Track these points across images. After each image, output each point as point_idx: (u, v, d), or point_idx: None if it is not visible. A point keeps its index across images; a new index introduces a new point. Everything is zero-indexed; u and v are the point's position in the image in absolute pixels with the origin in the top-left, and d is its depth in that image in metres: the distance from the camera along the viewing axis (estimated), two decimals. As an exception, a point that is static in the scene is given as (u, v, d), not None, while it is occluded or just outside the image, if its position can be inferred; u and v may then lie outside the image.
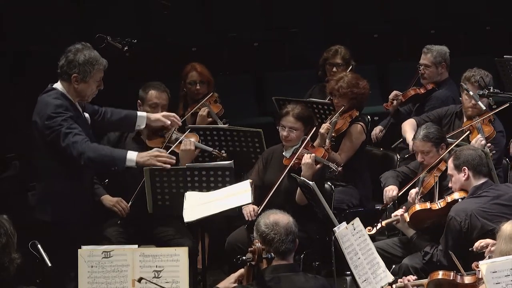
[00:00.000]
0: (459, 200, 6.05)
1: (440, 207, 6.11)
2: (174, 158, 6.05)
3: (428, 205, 6.17)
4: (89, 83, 5.96)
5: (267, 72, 10.31)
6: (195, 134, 6.86)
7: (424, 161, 6.56)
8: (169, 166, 5.97)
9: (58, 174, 5.92)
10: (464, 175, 6.03)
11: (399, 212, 6.28)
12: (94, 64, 5.93)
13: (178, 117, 6.49)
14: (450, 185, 6.18)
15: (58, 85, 6.00)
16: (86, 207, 6.05)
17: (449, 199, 6.10)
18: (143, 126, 6.38)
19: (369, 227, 6.19)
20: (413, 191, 6.41)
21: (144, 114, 6.40)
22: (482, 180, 6.04)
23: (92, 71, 5.93)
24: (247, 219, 6.58)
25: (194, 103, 7.77)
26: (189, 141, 6.57)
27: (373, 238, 6.20)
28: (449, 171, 6.13)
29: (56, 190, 5.91)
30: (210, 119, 7.57)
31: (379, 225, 6.23)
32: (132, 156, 5.86)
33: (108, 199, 6.55)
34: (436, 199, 6.24)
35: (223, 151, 6.81)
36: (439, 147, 6.54)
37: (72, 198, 5.92)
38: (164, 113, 6.46)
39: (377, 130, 8.26)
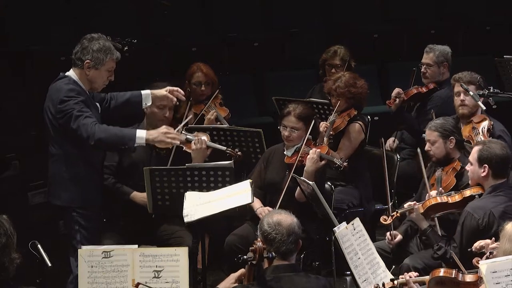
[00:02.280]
0: (476, 196, 6.06)
1: (456, 200, 6.13)
2: (182, 137, 6.19)
3: (445, 198, 6.18)
4: (101, 71, 6.09)
5: (267, 72, 10.30)
6: (206, 133, 6.85)
7: (430, 151, 6.55)
8: (178, 142, 6.13)
9: (69, 159, 6.06)
10: (483, 172, 6.01)
11: (413, 202, 6.28)
12: (107, 53, 6.09)
13: (181, 91, 6.49)
14: (467, 167, 6.17)
15: (70, 73, 6.14)
16: (98, 191, 6.18)
17: (466, 193, 6.11)
18: (149, 103, 6.43)
19: (384, 217, 6.26)
20: (433, 193, 6.37)
21: (148, 91, 6.44)
22: (501, 180, 6.03)
23: (104, 59, 6.08)
24: None
25: (197, 104, 7.74)
26: (201, 140, 6.58)
27: (373, 238, 6.22)
28: (471, 158, 6.10)
29: (69, 173, 6.05)
30: (218, 123, 7.53)
31: (394, 214, 6.24)
32: (141, 134, 5.99)
33: (139, 196, 6.56)
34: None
35: (237, 150, 6.79)
36: (447, 140, 6.51)
37: (85, 181, 6.08)
38: (168, 88, 6.45)
39: (390, 141, 8.24)
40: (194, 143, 6.58)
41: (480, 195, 6.05)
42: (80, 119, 5.91)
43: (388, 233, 6.39)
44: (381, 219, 6.25)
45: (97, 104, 6.25)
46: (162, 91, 6.42)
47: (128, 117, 6.72)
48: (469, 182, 6.17)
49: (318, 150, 6.58)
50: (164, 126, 6.10)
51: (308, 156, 6.54)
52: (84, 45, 6.09)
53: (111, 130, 5.98)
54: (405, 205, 6.30)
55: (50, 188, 6.22)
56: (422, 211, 6.19)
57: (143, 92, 6.43)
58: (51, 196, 6.18)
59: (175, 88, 6.45)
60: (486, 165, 5.99)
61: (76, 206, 6.06)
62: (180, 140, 6.16)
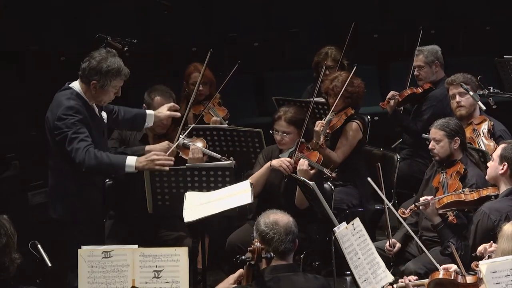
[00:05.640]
0: (492, 197, 6.10)
1: (473, 198, 6.18)
2: (173, 159, 6.00)
3: (462, 196, 6.22)
4: (107, 90, 5.94)
5: (267, 72, 10.31)
6: (202, 139, 6.85)
7: (434, 149, 6.55)
8: (167, 168, 5.93)
9: (69, 172, 5.92)
10: (502, 169, 6.05)
11: (429, 197, 6.31)
12: (116, 75, 5.91)
13: (177, 106, 6.53)
14: (488, 164, 6.21)
15: (75, 85, 5.97)
16: (97, 206, 6.08)
17: (483, 193, 6.16)
18: (151, 124, 6.42)
19: (402, 210, 6.33)
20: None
21: (152, 113, 6.43)
22: None
23: (112, 81, 5.91)
24: (286, 173, 6.57)
25: (196, 104, 7.74)
26: (197, 149, 6.57)
27: (373, 238, 6.22)
28: (494, 154, 6.17)
29: (68, 188, 5.94)
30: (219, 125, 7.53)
31: (412, 206, 6.33)
32: (131, 162, 5.82)
33: (149, 146, 6.51)
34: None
35: (231, 158, 6.78)
36: (452, 140, 6.50)
37: (84, 197, 5.96)
38: (167, 106, 6.45)
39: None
40: (192, 153, 6.58)
41: (496, 196, 6.10)
42: (74, 143, 5.75)
43: (387, 244, 6.41)
44: (400, 212, 6.30)
45: (105, 114, 6.15)
46: (166, 112, 6.43)
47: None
48: (486, 177, 6.21)
49: (306, 161, 6.56)
50: (153, 153, 5.93)
51: (298, 168, 6.53)
52: (93, 65, 5.88)
53: (101, 158, 5.77)
54: (421, 199, 6.34)
55: (49, 200, 6.13)
56: (438, 206, 6.23)
57: (147, 112, 6.42)
58: (50, 208, 6.07)
59: (172, 105, 6.48)
60: (506, 163, 6.03)
61: (74, 221, 5.95)
62: (170, 165, 5.93)
